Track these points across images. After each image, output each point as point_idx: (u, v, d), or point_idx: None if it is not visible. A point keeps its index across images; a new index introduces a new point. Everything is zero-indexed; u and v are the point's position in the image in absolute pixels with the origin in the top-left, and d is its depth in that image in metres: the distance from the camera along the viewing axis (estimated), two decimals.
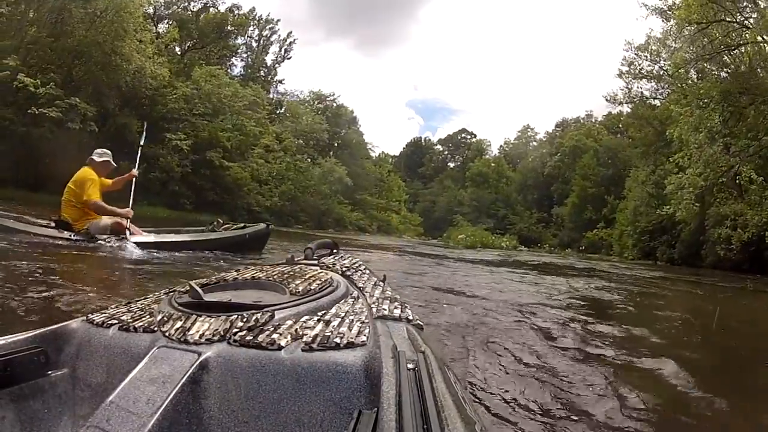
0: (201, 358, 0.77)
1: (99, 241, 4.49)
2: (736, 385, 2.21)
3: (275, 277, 1.17)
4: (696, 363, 2.48)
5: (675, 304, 5.60)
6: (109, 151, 5.01)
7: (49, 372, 0.88)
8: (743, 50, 17.47)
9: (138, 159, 5.58)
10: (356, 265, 1.53)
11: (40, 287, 2.41)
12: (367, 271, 1.49)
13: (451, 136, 71.29)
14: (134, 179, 5.20)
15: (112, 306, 1.05)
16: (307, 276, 1.17)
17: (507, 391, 1.71)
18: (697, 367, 2.30)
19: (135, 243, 4.52)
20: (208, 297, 0.99)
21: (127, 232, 4.63)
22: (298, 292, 1.03)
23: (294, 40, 40.43)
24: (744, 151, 15.67)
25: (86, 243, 4.43)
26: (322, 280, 1.12)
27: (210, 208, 23.00)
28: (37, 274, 2.81)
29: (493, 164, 59.84)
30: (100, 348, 0.89)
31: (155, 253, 4.42)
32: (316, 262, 1.52)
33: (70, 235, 4.47)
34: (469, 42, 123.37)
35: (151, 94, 22.14)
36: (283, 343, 0.78)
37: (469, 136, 69.64)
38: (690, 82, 19.88)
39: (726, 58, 17.79)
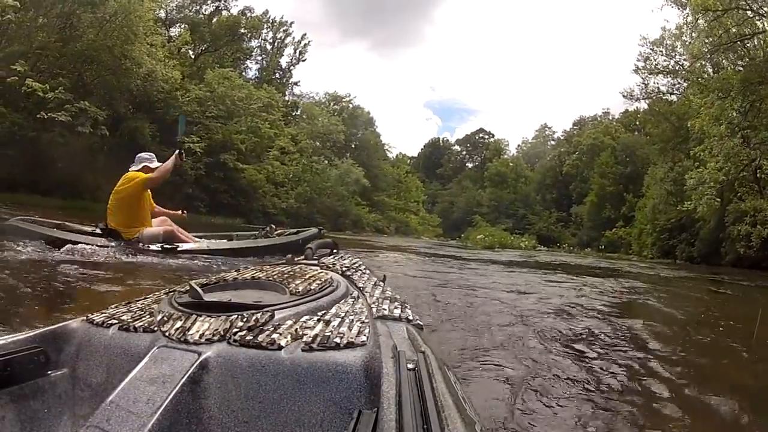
0: (201, 358, 0.77)
1: (151, 249, 4.25)
2: None
3: (275, 277, 1.17)
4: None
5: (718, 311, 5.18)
6: (152, 153, 4.76)
7: (49, 372, 0.88)
8: (760, 39, 17.11)
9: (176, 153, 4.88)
10: (356, 265, 1.53)
11: (98, 303, 2.40)
12: (367, 271, 1.49)
13: (468, 137, 71.24)
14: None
15: (112, 306, 1.05)
16: (307, 276, 1.17)
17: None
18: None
19: (188, 251, 4.34)
20: (208, 297, 0.99)
21: (179, 240, 4.43)
22: (298, 292, 1.03)
23: (308, 42, 40.41)
24: (764, 144, 15.33)
25: (137, 252, 4.17)
26: (322, 280, 1.12)
27: (225, 210, 23.23)
28: (96, 287, 2.74)
29: (511, 164, 59.61)
30: (100, 348, 0.89)
31: (209, 261, 4.23)
32: (316, 262, 1.52)
33: (120, 244, 4.22)
34: (485, 42, 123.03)
35: (163, 97, 22.33)
36: (283, 343, 0.77)
37: (486, 136, 69.42)
38: (706, 75, 19.52)
39: (742, 47, 17.46)
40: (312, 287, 1.05)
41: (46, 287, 2.69)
